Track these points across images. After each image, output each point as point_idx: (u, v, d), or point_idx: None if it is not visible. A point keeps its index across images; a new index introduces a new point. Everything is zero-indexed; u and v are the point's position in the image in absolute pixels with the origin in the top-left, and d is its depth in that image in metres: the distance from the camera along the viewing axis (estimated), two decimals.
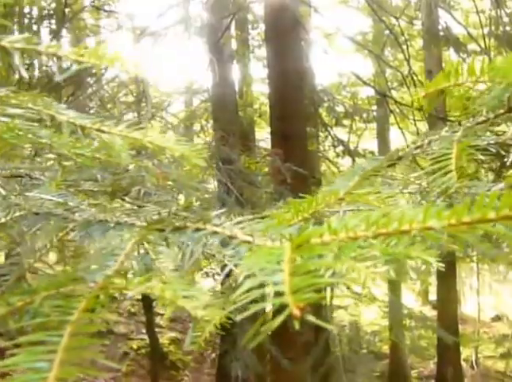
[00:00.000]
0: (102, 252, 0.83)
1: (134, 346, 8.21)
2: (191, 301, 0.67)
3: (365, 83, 6.79)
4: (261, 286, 0.53)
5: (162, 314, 8.24)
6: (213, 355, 8.31)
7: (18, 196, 1.18)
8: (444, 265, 0.57)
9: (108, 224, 0.98)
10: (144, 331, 7.71)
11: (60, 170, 1.67)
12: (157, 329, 7.43)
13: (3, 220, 1.04)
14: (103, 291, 0.68)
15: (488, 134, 1.00)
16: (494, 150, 0.94)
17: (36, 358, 0.51)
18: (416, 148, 1.04)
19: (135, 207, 1.24)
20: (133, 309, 8.78)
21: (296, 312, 0.43)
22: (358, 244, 0.53)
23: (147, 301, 7.14)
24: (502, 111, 0.94)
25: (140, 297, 7.43)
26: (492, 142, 0.95)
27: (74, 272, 0.78)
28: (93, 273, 0.74)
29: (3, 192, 1.22)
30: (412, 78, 6.38)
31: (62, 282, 0.72)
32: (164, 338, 8.19)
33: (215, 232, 0.80)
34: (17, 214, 1.05)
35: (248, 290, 0.50)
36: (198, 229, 0.83)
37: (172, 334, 8.38)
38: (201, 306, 0.66)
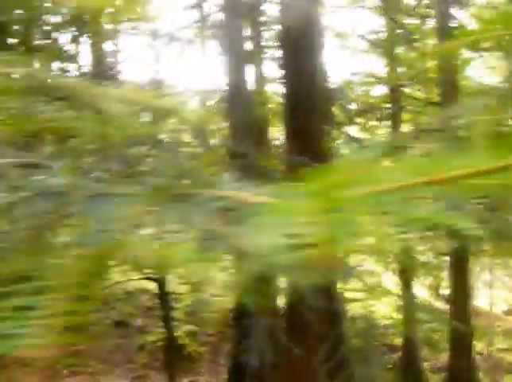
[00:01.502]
0: (101, 221, 0.80)
1: (151, 339, 8.42)
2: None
3: (379, 80, 6.91)
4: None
5: (178, 308, 8.45)
6: (228, 346, 8.50)
7: (22, 180, 1.15)
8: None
9: (109, 196, 0.93)
10: (160, 325, 7.92)
11: (74, 161, 1.73)
12: (173, 323, 7.63)
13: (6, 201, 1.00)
14: (106, 255, 0.68)
15: None
16: None
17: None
18: (446, 119, 0.99)
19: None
20: (149, 304, 8.99)
21: (328, 260, 0.41)
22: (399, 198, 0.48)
23: (163, 295, 7.36)
24: None
25: (157, 291, 7.64)
26: None
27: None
28: (92, 238, 0.73)
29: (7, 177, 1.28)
30: (426, 75, 6.49)
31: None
32: (180, 331, 8.38)
33: (225, 197, 0.76)
34: (22, 195, 1.01)
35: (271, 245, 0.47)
36: (206, 195, 0.78)
37: (188, 327, 8.58)
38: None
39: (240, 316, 7.06)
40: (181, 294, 8.60)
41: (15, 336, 0.49)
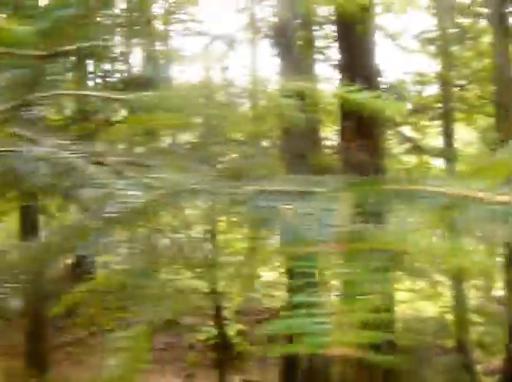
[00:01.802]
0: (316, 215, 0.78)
1: (201, 338, 8.51)
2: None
3: (432, 79, 6.87)
4: None
5: (227, 307, 8.50)
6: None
7: (149, 178, 1.12)
8: None
9: (287, 194, 0.92)
10: (210, 323, 7.99)
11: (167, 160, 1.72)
12: (224, 321, 7.69)
13: (153, 197, 0.98)
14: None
15: None
16: None
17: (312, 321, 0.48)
18: None
19: None
20: (198, 302, 9.04)
21: None
22: None
23: (214, 293, 7.42)
24: None
25: (206, 290, 7.71)
26: None
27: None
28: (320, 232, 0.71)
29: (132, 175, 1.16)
30: (481, 73, 6.44)
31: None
32: (230, 330, 8.44)
33: (443, 193, 0.73)
34: (159, 193, 0.99)
35: None
36: (426, 191, 0.75)
37: (239, 326, 8.64)
38: None
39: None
40: (231, 292, 8.65)
41: (316, 333, 0.48)
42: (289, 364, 7.21)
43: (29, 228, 7.78)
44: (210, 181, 1.22)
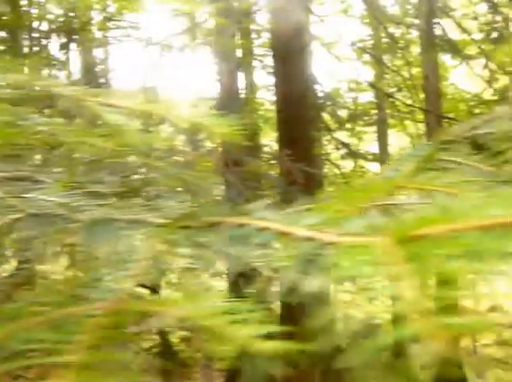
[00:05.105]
0: (111, 259, 0.66)
1: (145, 345, 8.43)
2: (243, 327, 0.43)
3: (372, 86, 7.08)
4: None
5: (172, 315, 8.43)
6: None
7: (15, 198, 1.02)
8: None
9: (119, 223, 0.80)
10: (153, 331, 7.94)
11: (68, 172, 1.63)
12: (167, 329, 7.66)
13: None
14: (117, 318, 0.48)
15: None
16: None
17: None
18: (472, 129, 0.92)
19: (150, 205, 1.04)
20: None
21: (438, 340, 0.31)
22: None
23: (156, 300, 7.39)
24: None
25: (149, 297, 7.64)
26: None
27: (73, 287, 0.60)
28: (99, 289, 0.57)
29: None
30: (412, 82, 6.68)
31: (59, 302, 0.54)
32: (174, 337, 8.41)
33: (265, 228, 0.59)
34: (13, 216, 0.88)
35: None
36: (241, 225, 0.63)
37: (182, 333, 8.61)
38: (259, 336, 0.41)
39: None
40: (175, 299, 8.62)
41: None
42: (235, 371, 7.20)
43: None
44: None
